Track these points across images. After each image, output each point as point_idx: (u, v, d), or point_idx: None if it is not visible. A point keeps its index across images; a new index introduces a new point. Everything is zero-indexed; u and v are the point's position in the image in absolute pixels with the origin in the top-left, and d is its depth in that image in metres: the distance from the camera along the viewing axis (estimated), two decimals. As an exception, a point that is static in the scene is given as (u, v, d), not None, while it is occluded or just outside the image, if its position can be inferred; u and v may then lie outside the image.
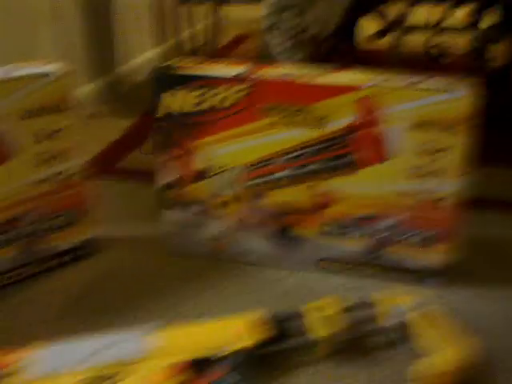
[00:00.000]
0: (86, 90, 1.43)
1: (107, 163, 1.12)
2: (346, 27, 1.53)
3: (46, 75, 0.68)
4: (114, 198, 0.96)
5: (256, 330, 0.60)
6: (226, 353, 0.57)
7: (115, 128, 1.30)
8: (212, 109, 0.70)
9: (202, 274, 0.76)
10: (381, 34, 1.56)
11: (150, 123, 0.73)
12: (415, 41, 1.51)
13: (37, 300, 0.71)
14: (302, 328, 0.62)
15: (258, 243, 0.77)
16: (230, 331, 0.60)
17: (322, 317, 0.62)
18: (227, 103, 0.69)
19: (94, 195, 0.78)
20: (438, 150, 0.67)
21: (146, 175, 0.84)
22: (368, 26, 1.60)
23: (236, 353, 0.57)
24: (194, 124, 0.71)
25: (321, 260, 0.76)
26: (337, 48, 1.46)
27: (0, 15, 1.11)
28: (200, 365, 0.57)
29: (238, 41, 2.33)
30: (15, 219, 0.70)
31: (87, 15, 1.42)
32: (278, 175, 0.72)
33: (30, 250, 0.73)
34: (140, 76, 1.67)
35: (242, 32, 2.33)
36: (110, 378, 0.53)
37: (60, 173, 0.72)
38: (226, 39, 2.31)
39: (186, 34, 1.91)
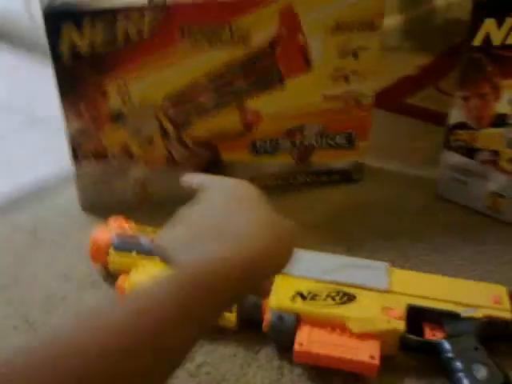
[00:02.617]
0: (392, 20, 1.39)
1: (396, 96, 1.09)
2: None
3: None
4: (394, 131, 0.92)
5: (500, 303, 0.54)
6: (462, 314, 0.53)
7: (412, 64, 1.25)
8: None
9: (461, 229, 0.70)
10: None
11: (450, 61, 0.67)
12: None
13: (289, 209, 0.73)
14: None
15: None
16: (472, 295, 0.55)
17: None
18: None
19: (372, 123, 0.76)
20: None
21: (430, 115, 0.79)
22: None
23: (472, 319, 0.52)
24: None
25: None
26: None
27: None
28: (424, 315, 0.54)
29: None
30: (301, 128, 0.73)
31: None
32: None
33: (305, 161, 0.76)
34: (453, 12, 1.55)
35: None
36: (347, 296, 0.53)
37: (353, 92, 0.72)
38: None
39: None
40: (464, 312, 0.53)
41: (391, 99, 1.07)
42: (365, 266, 0.57)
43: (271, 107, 0.71)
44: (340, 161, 0.78)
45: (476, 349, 0.50)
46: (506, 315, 0.53)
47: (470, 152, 0.70)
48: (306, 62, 0.68)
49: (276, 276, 0.55)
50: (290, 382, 0.51)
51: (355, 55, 0.69)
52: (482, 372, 0.48)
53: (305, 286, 0.54)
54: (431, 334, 0.52)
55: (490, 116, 0.67)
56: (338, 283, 0.55)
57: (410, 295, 0.54)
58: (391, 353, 0.52)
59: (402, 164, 0.84)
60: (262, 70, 0.68)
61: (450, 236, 0.69)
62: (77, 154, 0.70)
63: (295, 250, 0.38)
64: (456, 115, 0.70)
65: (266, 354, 0.53)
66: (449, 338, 0.51)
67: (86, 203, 0.73)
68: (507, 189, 0.69)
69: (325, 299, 0.53)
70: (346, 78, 0.70)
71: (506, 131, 0.66)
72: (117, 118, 0.68)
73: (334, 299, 0.53)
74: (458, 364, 0.49)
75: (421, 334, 0.53)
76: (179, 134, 0.71)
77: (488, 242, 0.68)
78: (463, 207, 0.74)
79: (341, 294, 0.53)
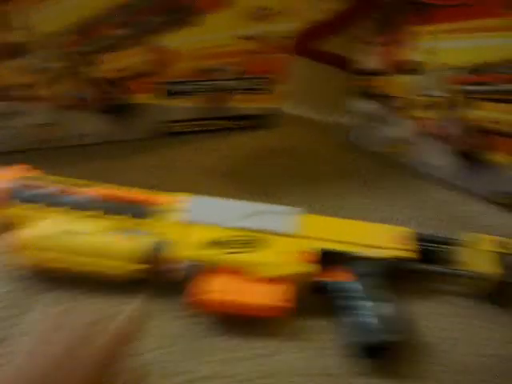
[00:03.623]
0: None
1: (309, 42, 1.08)
2: None
3: None
4: (307, 77, 0.92)
5: (404, 244, 0.56)
6: (370, 256, 0.55)
7: (326, 8, 1.24)
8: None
9: (366, 174, 0.72)
10: None
11: (364, 7, 0.66)
12: None
13: (204, 155, 0.73)
14: (452, 257, 0.57)
15: (440, 157, 0.70)
16: (378, 238, 0.56)
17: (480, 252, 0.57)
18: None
19: (289, 68, 0.75)
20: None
21: (343, 61, 0.80)
22: None
23: (379, 260, 0.55)
24: (421, 6, 0.62)
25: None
26: None
27: None
28: (334, 258, 0.55)
29: None
30: (213, 70, 0.71)
31: None
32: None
33: (216, 105, 0.74)
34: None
35: None
36: (260, 242, 0.53)
37: (273, 32, 0.70)
38: None
39: None
40: (372, 253, 0.55)
41: (304, 44, 1.06)
42: (276, 211, 0.57)
43: (186, 45, 0.67)
44: (257, 106, 0.76)
45: (384, 288, 0.52)
46: (411, 255, 0.55)
47: (381, 98, 0.72)
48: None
49: (186, 225, 0.54)
50: (202, 330, 0.50)
51: None
52: (389, 309, 0.50)
53: (216, 234, 0.53)
54: (342, 276, 0.54)
55: (405, 63, 0.68)
56: (250, 230, 0.54)
57: (321, 239, 0.55)
58: (303, 295, 0.53)
59: (314, 110, 0.84)
60: (176, 4, 0.64)
61: (360, 181, 0.71)
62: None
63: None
64: (370, 61, 0.70)
65: (178, 303, 0.52)
66: (358, 278, 0.53)
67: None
68: (411, 135, 0.71)
69: (237, 246, 0.53)
70: (267, 18, 0.68)
71: (419, 79, 0.67)
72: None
73: (246, 246, 0.53)
74: (367, 303, 0.51)
75: (331, 276, 0.54)
76: (89, 72, 0.66)
77: (391, 186, 0.71)
78: (371, 153, 0.75)
79: (253, 241, 0.53)
